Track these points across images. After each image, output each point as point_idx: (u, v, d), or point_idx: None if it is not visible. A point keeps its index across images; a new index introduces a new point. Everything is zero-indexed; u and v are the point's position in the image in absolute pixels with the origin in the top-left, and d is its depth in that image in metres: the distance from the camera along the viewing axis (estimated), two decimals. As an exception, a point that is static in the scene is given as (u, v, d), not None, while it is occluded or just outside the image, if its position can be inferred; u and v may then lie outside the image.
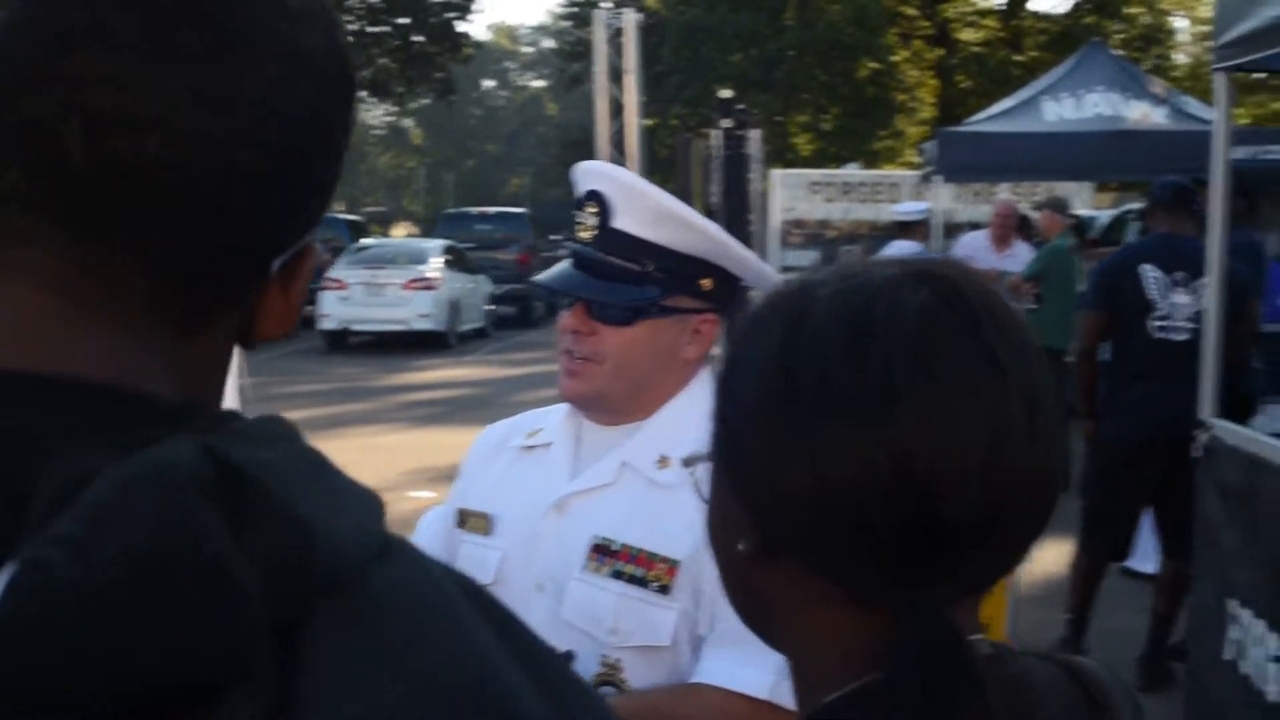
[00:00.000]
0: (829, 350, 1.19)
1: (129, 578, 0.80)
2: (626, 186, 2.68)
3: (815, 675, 1.30)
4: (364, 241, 33.39)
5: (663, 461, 2.72)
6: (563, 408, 2.95)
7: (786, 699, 2.52)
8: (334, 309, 27.85)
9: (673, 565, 2.62)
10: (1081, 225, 16.34)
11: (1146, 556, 8.33)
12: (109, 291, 0.98)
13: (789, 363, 1.22)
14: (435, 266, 28.66)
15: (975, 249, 13.34)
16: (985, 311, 1.22)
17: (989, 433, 1.17)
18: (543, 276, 2.79)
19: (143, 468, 0.83)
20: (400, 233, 76.42)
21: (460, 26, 50.34)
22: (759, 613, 1.36)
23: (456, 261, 30.08)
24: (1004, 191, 16.65)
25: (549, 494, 2.79)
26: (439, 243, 30.73)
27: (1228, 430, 6.00)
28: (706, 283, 2.74)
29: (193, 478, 0.83)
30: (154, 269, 0.98)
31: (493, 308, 31.98)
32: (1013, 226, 13.91)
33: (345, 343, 28.33)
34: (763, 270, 2.82)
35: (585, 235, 2.70)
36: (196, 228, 0.98)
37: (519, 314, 34.53)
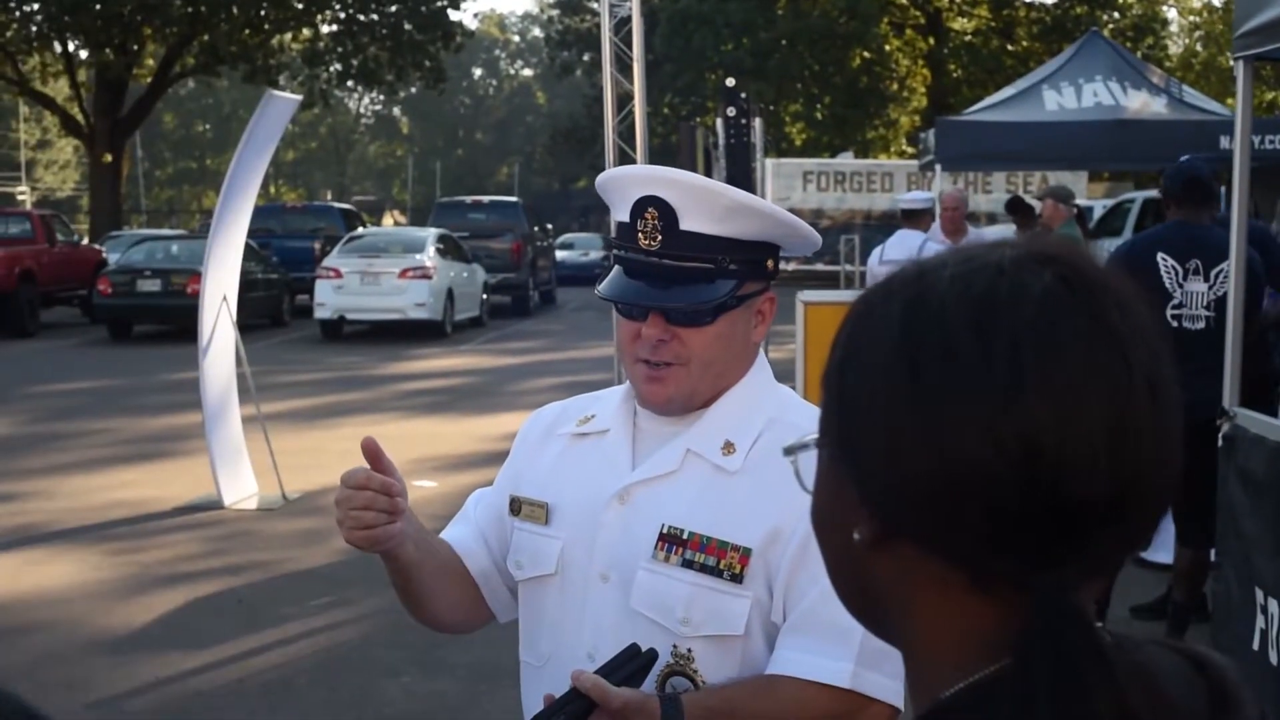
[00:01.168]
0: (953, 332, 1.18)
1: None
2: (693, 187, 2.62)
3: (933, 665, 1.27)
4: (358, 230, 33.41)
5: (728, 447, 2.69)
6: (616, 392, 2.92)
7: (867, 687, 2.52)
8: (329, 298, 27.83)
9: (745, 553, 2.59)
10: (1083, 214, 16.35)
11: (1160, 546, 8.32)
12: None
13: (912, 345, 1.20)
14: (430, 255, 28.63)
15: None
16: (1106, 293, 1.20)
17: (1114, 413, 1.16)
18: (605, 291, 2.73)
19: None
20: (389, 222, 76.41)
21: (451, 15, 50.16)
22: (871, 603, 1.34)
23: (451, 250, 30.06)
24: (946, 182, 16.59)
25: (610, 483, 2.74)
26: (433, 231, 30.65)
27: (1251, 419, 5.99)
28: (770, 263, 2.73)
29: None
30: None
31: (487, 297, 31.95)
32: (963, 216, 13.80)
33: (340, 332, 28.32)
34: (814, 238, 2.81)
35: (648, 243, 2.63)
36: None
37: (514, 304, 34.56)
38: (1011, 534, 1.16)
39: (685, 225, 2.61)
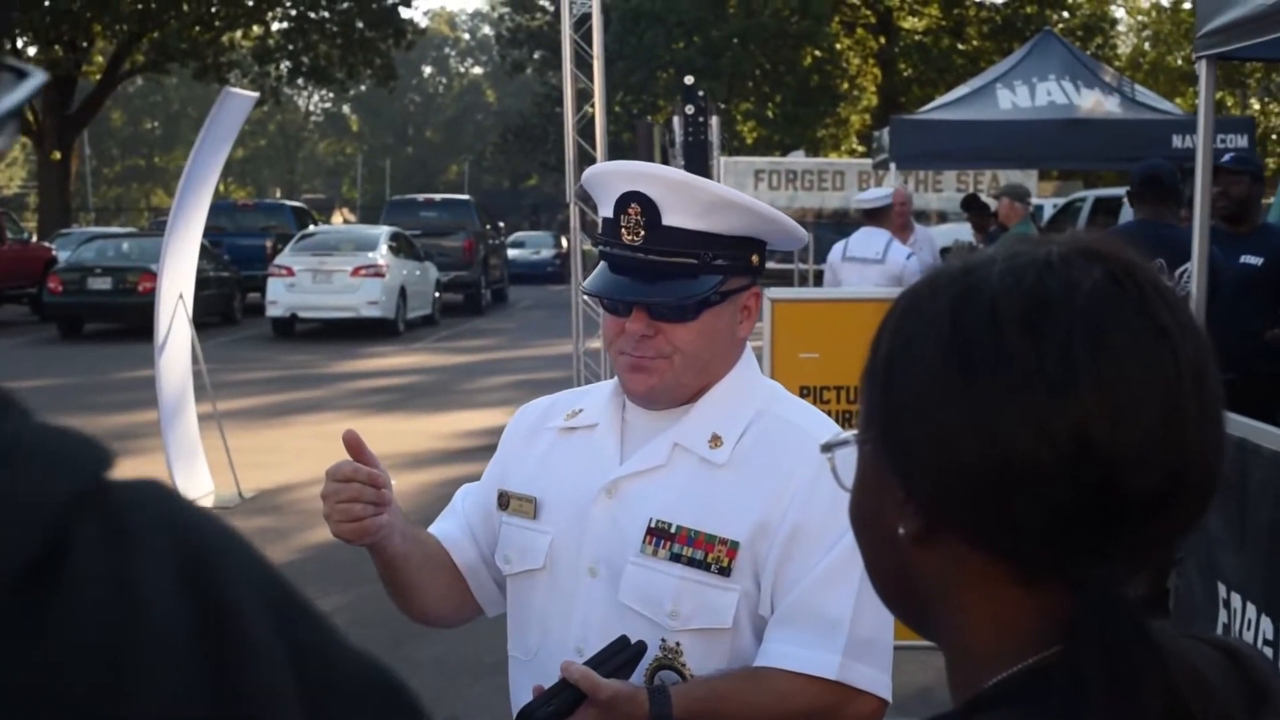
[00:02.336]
0: (1005, 327, 1.19)
1: None
2: (676, 183, 2.64)
3: (975, 658, 1.28)
4: (310, 228, 33.29)
5: (715, 440, 2.70)
6: (604, 386, 2.93)
7: (855, 679, 2.53)
8: (281, 296, 27.69)
9: (732, 546, 2.60)
10: (1035, 213, 16.44)
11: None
12: None
13: (963, 340, 1.21)
14: (382, 253, 28.55)
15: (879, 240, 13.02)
16: (1153, 289, 1.22)
17: (1164, 407, 1.18)
18: (590, 286, 2.74)
19: None
20: (339, 220, 76.06)
21: (403, 13, 49.98)
22: (912, 598, 1.35)
23: (403, 248, 29.97)
24: (898, 181, 16.58)
25: (598, 477, 2.76)
26: (385, 229, 30.56)
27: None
28: (755, 258, 2.74)
29: None
30: None
31: (439, 295, 31.87)
32: (910, 213, 13.81)
33: (292, 330, 28.19)
34: (799, 233, 2.83)
35: (632, 239, 2.65)
36: None
37: (466, 302, 34.48)
38: (1062, 527, 1.17)
39: (668, 221, 2.62)
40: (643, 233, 2.63)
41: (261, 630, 0.85)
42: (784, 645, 2.57)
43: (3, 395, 0.83)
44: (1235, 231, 8.07)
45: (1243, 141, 16.03)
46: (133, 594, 0.81)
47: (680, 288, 2.64)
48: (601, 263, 2.76)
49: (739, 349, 2.81)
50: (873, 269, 11.99)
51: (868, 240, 12.39)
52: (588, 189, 2.84)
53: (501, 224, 43.52)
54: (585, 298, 14.00)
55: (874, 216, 12.77)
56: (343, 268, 27.83)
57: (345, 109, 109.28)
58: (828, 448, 1.48)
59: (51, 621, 0.78)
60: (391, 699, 0.93)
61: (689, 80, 15.80)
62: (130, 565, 0.82)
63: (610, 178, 2.71)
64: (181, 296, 12.30)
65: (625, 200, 2.65)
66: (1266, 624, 5.25)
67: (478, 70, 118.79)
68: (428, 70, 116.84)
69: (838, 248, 12.75)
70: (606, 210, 2.71)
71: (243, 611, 0.85)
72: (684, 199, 2.62)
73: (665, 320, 2.67)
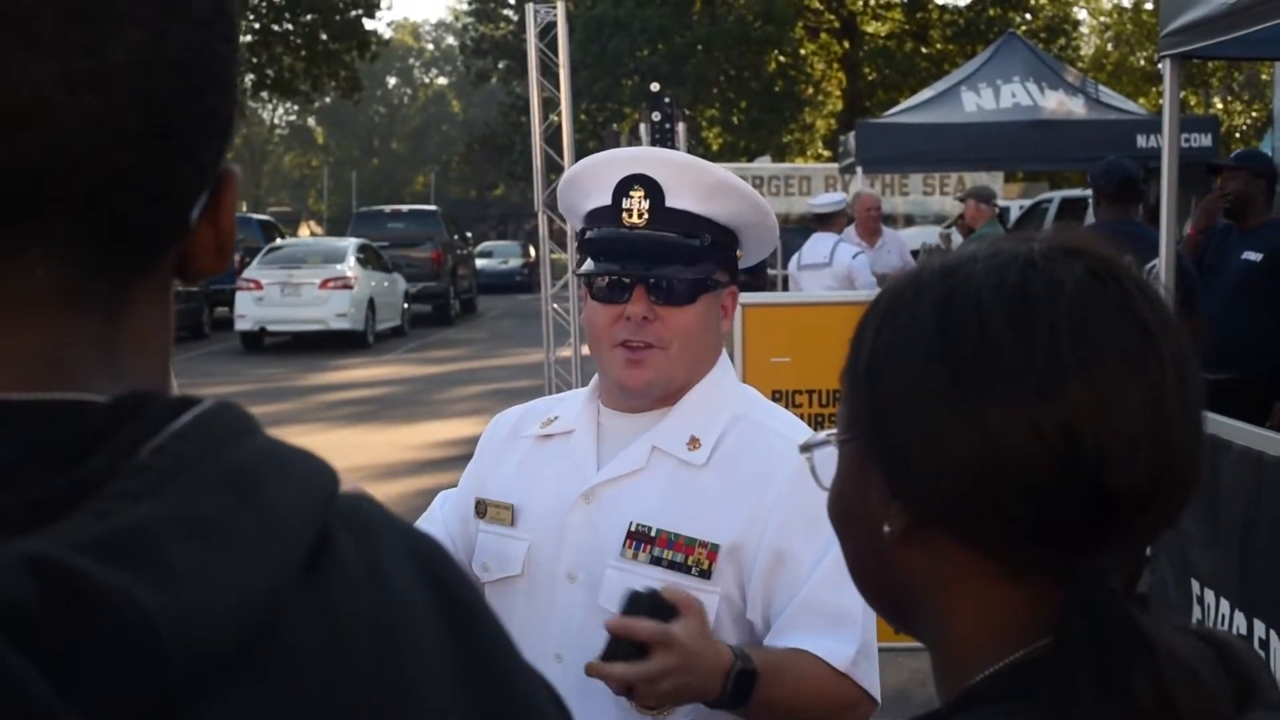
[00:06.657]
0: (991, 325, 1.21)
1: None
2: (679, 164, 2.69)
3: (962, 653, 1.29)
4: (278, 241, 33.20)
5: (693, 443, 2.71)
6: (579, 393, 2.94)
7: (860, 676, 2.52)
8: (249, 309, 27.61)
9: (713, 549, 2.60)
10: (1002, 214, 16.49)
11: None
12: (12, 292, 0.87)
13: (950, 338, 1.23)
14: (350, 265, 28.50)
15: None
16: (1134, 285, 1.24)
17: (1149, 401, 1.19)
18: (591, 268, 2.75)
19: None
20: (306, 233, 75.85)
21: (366, 24, 49.88)
22: (896, 596, 1.36)
23: (371, 260, 29.93)
24: (865, 185, 16.64)
25: (576, 483, 2.76)
26: (353, 241, 30.52)
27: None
28: (739, 254, 2.77)
29: (3, 616, 0.70)
30: (59, 259, 0.88)
31: (408, 306, 31.83)
32: (878, 217, 13.88)
33: (261, 343, 28.10)
34: (773, 235, 2.86)
35: (635, 220, 2.67)
36: (94, 209, 0.87)
37: (435, 312, 34.43)
38: (1050, 523, 1.19)
39: (671, 202, 2.66)
40: (647, 215, 2.66)
41: (489, 626, 0.97)
42: (804, 636, 2.54)
43: (249, 416, 0.91)
44: (1242, 227, 8.08)
45: (1207, 140, 16.12)
46: (388, 583, 0.91)
47: (682, 269, 2.67)
48: (587, 257, 2.77)
49: (719, 348, 2.83)
50: (823, 273, 12.10)
51: (816, 245, 12.50)
52: (574, 184, 2.84)
53: (469, 234, 43.52)
54: (555, 306, 14.00)
55: (824, 221, 12.84)
56: (311, 280, 27.76)
57: (310, 121, 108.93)
58: (806, 448, 1.49)
59: (337, 597, 0.87)
60: (555, 694, 1.03)
61: (655, 87, 15.81)
62: (382, 559, 0.92)
63: (606, 167, 2.74)
64: (150, 311, 12.26)
65: (627, 184, 2.68)
66: (1240, 619, 5.28)
67: (442, 81, 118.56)
68: (392, 81, 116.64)
69: (795, 256, 12.85)
70: (602, 199, 2.73)
71: (477, 608, 0.97)
72: (688, 180, 2.67)
73: (664, 305, 2.68)
